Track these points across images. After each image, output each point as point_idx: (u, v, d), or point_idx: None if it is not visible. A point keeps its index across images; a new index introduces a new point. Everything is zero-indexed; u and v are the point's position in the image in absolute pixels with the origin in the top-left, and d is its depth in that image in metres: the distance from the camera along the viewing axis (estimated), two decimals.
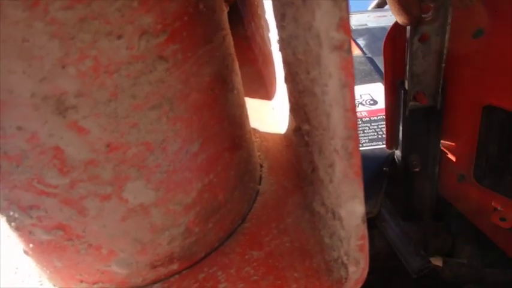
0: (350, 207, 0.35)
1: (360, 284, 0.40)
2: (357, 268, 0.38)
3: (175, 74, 0.37)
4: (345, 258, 0.39)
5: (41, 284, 0.47)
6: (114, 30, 0.33)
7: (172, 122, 0.39)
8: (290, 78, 0.45)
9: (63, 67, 0.32)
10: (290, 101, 0.49)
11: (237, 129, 0.48)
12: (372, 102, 1.08)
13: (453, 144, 0.84)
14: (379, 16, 1.62)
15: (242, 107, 0.50)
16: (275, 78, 0.63)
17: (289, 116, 0.52)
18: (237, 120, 0.47)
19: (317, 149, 0.40)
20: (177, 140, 0.40)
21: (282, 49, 0.46)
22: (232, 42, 0.47)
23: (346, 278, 0.39)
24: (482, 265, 0.86)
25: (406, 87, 0.73)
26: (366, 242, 0.37)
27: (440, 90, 0.72)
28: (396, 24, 0.68)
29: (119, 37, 0.33)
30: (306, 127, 0.43)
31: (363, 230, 0.36)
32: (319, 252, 0.44)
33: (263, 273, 0.44)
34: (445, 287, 0.88)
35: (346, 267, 0.39)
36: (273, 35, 0.51)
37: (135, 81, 0.35)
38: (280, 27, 0.43)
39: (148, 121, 0.37)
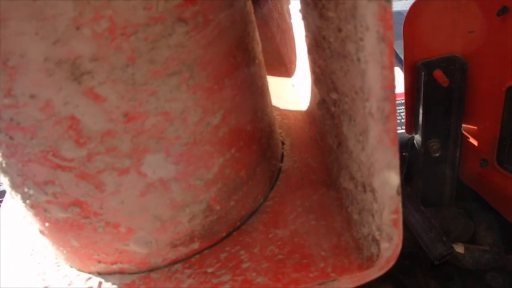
0: (384, 177, 0.33)
1: (393, 262, 0.37)
2: (390, 244, 0.36)
3: (195, 38, 0.35)
4: (376, 233, 0.37)
5: (58, 266, 0.45)
6: None
7: (193, 90, 0.36)
8: (315, 46, 0.43)
9: (78, 28, 0.30)
10: (314, 72, 0.47)
11: (258, 101, 0.45)
12: None
13: (475, 127, 0.82)
14: (396, 1, 1.60)
15: (263, 79, 0.47)
16: (295, 55, 0.61)
17: (313, 89, 0.50)
18: (259, 92, 0.45)
19: (346, 117, 0.38)
20: (198, 110, 0.37)
21: (306, 15, 0.44)
22: (252, 10, 0.45)
23: (377, 255, 0.37)
24: (505, 252, 0.84)
25: None
26: (399, 216, 0.35)
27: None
28: (416, 4, 0.67)
29: None
30: (333, 96, 0.41)
31: (397, 202, 0.34)
32: (346, 230, 0.42)
33: (288, 252, 0.42)
34: (466, 275, 0.86)
35: (377, 243, 0.37)
36: (294, 5, 0.50)
37: (153, 44, 0.33)
38: None
39: (168, 89, 0.35)
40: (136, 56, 0.33)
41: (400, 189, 0.34)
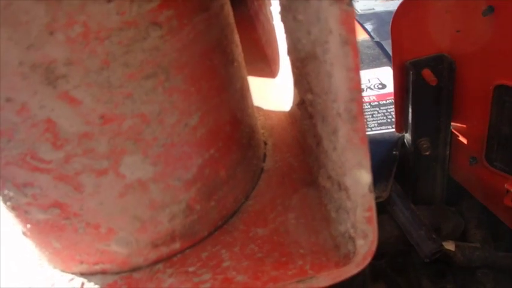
0: (355, 176, 0.34)
1: (369, 259, 0.38)
2: (365, 241, 0.37)
3: (170, 41, 0.36)
4: (352, 231, 0.37)
5: (41, 267, 0.46)
6: None
7: (169, 92, 0.37)
8: (292, 48, 0.44)
9: (51, 33, 0.31)
10: (293, 73, 0.48)
11: (238, 102, 0.46)
12: (380, 86, 1.07)
13: (464, 126, 0.82)
14: (386, 0, 1.61)
15: (243, 80, 0.48)
16: (279, 56, 0.62)
17: (294, 90, 0.50)
18: (238, 93, 0.46)
19: (320, 117, 0.39)
20: (175, 112, 0.38)
21: (283, 17, 0.45)
22: (231, 13, 0.46)
23: (354, 253, 0.38)
24: (495, 249, 0.85)
25: None
26: (373, 214, 0.36)
27: None
28: (403, 4, 0.67)
29: (109, 1, 0.32)
30: (309, 97, 0.41)
31: (370, 200, 0.35)
32: (325, 228, 0.43)
33: (268, 251, 0.42)
34: (457, 272, 0.87)
35: (353, 240, 0.37)
36: (275, 7, 0.50)
37: (127, 48, 0.34)
38: None
39: (143, 91, 0.36)
40: (111, 59, 0.33)
41: (372, 187, 0.34)
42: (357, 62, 0.29)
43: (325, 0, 0.27)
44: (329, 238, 0.42)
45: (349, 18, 0.27)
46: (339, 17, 0.27)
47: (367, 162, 0.33)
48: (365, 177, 0.33)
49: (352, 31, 0.28)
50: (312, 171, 0.49)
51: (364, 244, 0.37)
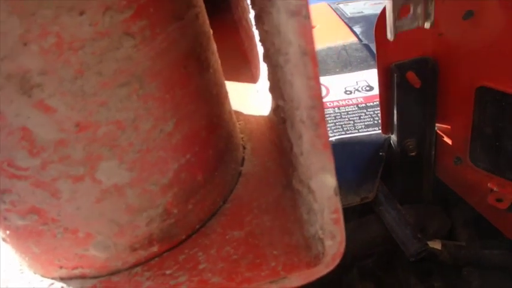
0: (321, 179, 0.35)
1: (338, 259, 0.39)
2: (333, 242, 0.38)
3: (143, 51, 0.37)
4: (320, 232, 0.38)
5: (22, 272, 0.47)
6: (76, 6, 0.32)
7: (143, 100, 0.38)
8: (265, 55, 0.45)
9: (25, 44, 0.32)
10: (269, 79, 0.49)
11: (214, 108, 0.47)
12: (368, 88, 1.08)
13: (448, 127, 0.83)
14: (375, 3, 1.62)
15: (220, 86, 0.49)
16: (259, 61, 0.63)
17: (271, 95, 0.51)
18: (214, 99, 0.47)
19: (289, 123, 0.40)
20: (150, 118, 0.39)
21: (256, 26, 0.46)
22: (207, 21, 0.47)
23: (323, 253, 0.39)
24: (481, 247, 0.86)
25: None
26: (340, 215, 0.37)
27: None
28: None
29: (82, 13, 0.33)
30: (280, 103, 0.43)
31: (336, 202, 0.36)
32: (298, 229, 0.44)
33: (243, 252, 0.43)
34: (444, 270, 0.88)
35: (322, 241, 0.39)
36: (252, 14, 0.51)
37: (101, 58, 0.35)
38: (252, 3, 0.43)
39: (118, 99, 0.37)
40: (85, 69, 0.34)
41: (337, 190, 0.35)
42: (316, 71, 0.30)
43: (283, 14, 0.28)
44: (301, 239, 0.43)
45: (307, 29, 0.28)
46: (298, 29, 0.28)
47: (331, 166, 0.34)
48: (330, 180, 0.35)
49: (311, 42, 0.29)
50: (287, 174, 0.50)
51: (333, 245, 0.38)
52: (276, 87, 0.43)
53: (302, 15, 0.28)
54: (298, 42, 0.29)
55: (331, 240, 0.38)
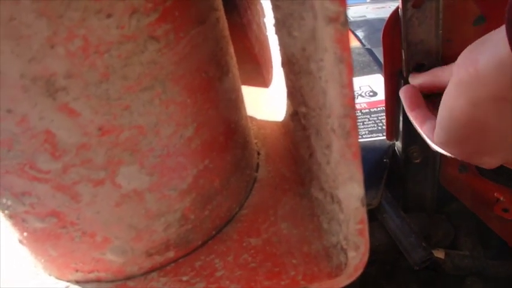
0: (348, 189, 0.34)
1: (360, 270, 0.39)
2: (357, 253, 0.37)
3: (167, 55, 0.36)
4: (344, 243, 0.38)
5: (37, 274, 0.46)
6: (103, 9, 0.32)
7: (165, 104, 0.38)
8: (286, 61, 0.45)
9: (52, 47, 0.31)
10: (287, 85, 0.48)
11: (232, 113, 0.47)
12: (371, 93, 1.08)
13: None
14: (377, 7, 1.62)
15: (237, 91, 0.49)
16: (272, 65, 0.62)
17: (287, 101, 0.51)
18: (232, 105, 0.47)
19: (314, 130, 0.39)
20: (171, 123, 0.39)
21: (277, 31, 0.45)
22: (226, 25, 0.46)
23: (345, 264, 0.39)
24: (485, 257, 0.85)
25: (403, 58, 0.70)
26: (365, 226, 0.36)
27: (440, 58, 0.69)
28: (395, 12, 0.68)
29: (109, 16, 0.32)
30: (302, 110, 0.42)
31: (362, 213, 0.36)
32: (317, 239, 0.44)
33: (261, 260, 0.43)
34: (447, 279, 0.87)
35: (345, 252, 0.38)
36: (269, 19, 0.51)
37: (126, 61, 0.34)
38: (275, 7, 0.42)
39: (141, 103, 0.36)
40: (110, 72, 0.34)
41: (364, 200, 0.35)
42: (350, 79, 0.29)
43: (321, 20, 0.28)
44: (321, 249, 0.43)
45: (344, 37, 0.28)
46: (334, 36, 0.28)
47: (359, 176, 0.34)
48: (357, 190, 0.34)
49: (347, 49, 0.28)
50: (304, 181, 0.49)
51: (356, 256, 0.38)
52: (297, 94, 0.43)
53: (340, 22, 0.28)
54: (335, 49, 0.28)
55: (355, 251, 0.37)
